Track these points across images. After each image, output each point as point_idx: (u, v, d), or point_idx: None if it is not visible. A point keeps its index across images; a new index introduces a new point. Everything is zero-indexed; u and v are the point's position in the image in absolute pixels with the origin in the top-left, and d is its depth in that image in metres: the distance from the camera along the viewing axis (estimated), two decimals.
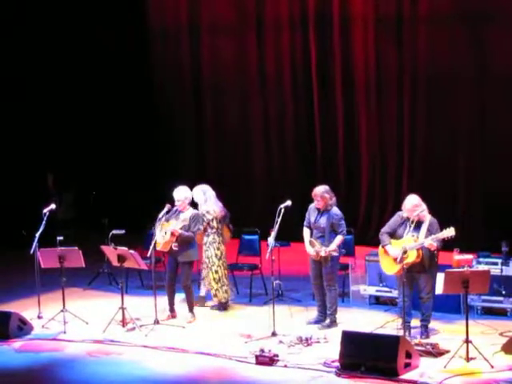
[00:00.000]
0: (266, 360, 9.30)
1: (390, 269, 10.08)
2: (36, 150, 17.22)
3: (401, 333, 9.59)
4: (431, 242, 9.73)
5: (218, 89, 16.93)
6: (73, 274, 11.65)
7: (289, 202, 10.42)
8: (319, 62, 15.78)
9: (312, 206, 10.73)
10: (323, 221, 10.54)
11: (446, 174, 14.83)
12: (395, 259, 9.87)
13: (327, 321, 10.65)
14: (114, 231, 12.35)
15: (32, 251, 11.22)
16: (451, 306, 10.68)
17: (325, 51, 15.72)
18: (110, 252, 10.94)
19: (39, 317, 11.21)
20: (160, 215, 10.95)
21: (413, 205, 9.98)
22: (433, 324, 10.23)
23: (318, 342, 9.93)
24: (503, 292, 10.72)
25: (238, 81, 16.75)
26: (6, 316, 10.64)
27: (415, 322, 10.10)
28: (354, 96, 15.58)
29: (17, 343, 10.46)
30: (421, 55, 14.86)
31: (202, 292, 11.73)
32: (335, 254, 10.48)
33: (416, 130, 15.05)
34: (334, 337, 9.76)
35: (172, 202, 11.12)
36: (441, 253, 10.19)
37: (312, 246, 10.57)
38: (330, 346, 9.67)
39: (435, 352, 9.28)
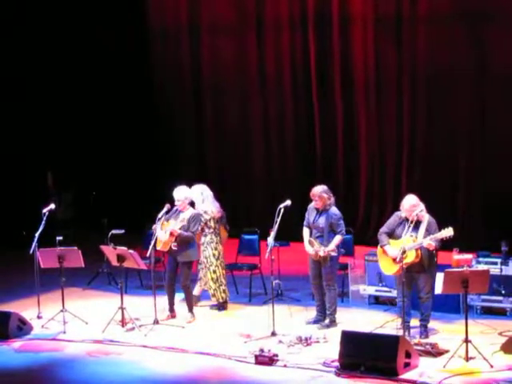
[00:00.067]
0: (265, 360, 9.30)
1: (388, 269, 10.08)
2: (36, 149, 17.23)
3: (400, 332, 9.60)
4: (430, 242, 9.73)
5: (218, 89, 16.94)
6: (72, 274, 11.67)
7: (288, 202, 10.42)
8: (319, 62, 15.78)
9: (311, 205, 10.72)
10: (322, 221, 10.54)
11: (446, 174, 14.83)
12: (394, 259, 9.87)
13: (326, 320, 10.64)
14: (114, 231, 12.39)
15: (31, 251, 11.22)
16: (451, 305, 10.68)
17: (324, 51, 15.73)
18: (110, 252, 10.94)
19: (39, 317, 11.21)
20: (159, 215, 10.95)
21: (411, 205, 9.98)
22: (432, 324, 10.23)
23: (318, 341, 9.93)
24: (503, 292, 10.71)
25: (238, 81, 16.76)
26: (5, 316, 10.64)
27: (414, 322, 10.09)
28: (354, 96, 15.59)
29: (16, 343, 10.46)
30: (420, 55, 14.87)
31: (196, 291, 11.73)
32: (334, 253, 10.48)
33: (415, 129, 15.06)
34: (334, 337, 9.76)
35: (172, 201, 11.12)
36: (440, 252, 10.20)
37: (311, 246, 10.57)
38: (330, 346, 9.67)
39: (435, 352, 9.28)
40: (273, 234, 10.36)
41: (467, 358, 9.03)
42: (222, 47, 16.80)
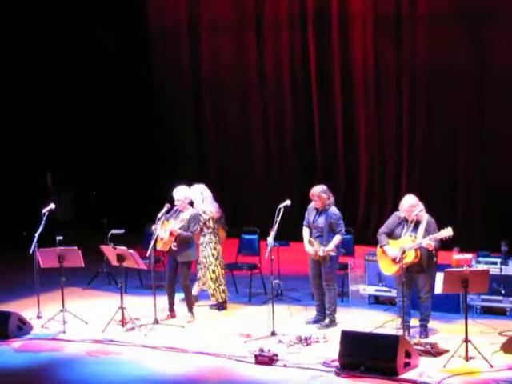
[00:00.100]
0: (265, 360, 9.29)
1: (388, 269, 10.07)
2: (35, 149, 17.23)
3: (400, 332, 9.60)
4: (429, 242, 9.72)
5: (218, 88, 16.95)
6: (72, 274, 11.67)
7: (288, 202, 10.41)
8: (318, 61, 15.79)
9: (311, 205, 10.72)
10: (321, 220, 10.54)
11: (446, 174, 14.83)
12: (393, 259, 9.87)
13: (326, 320, 10.64)
14: (114, 231, 12.38)
15: (31, 251, 11.22)
16: (450, 305, 10.68)
17: (324, 50, 15.73)
18: (110, 252, 10.94)
19: (39, 316, 11.21)
20: (159, 215, 10.95)
21: (410, 205, 9.96)
22: (432, 323, 10.22)
23: (318, 341, 9.93)
24: (502, 291, 10.71)
25: (238, 80, 16.77)
26: (5, 316, 10.64)
27: (414, 322, 10.09)
28: (353, 95, 15.59)
29: (16, 343, 10.46)
30: (420, 54, 14.87)
31: (194, 291, 11.72)
32: (333, 253, 10.47)
33: (415, 129, 15.06)
34: (334, 336, 9.75)
35: (172, 201, 11.12)
36: (440, 252, 10.20)
37: (311, 246, 10.57)
38: (330, 346, 9.66)
39: (434, 351, 9.28)
40: (273, 233, 10.36)
41: (467, 358, 9.03)
42: (221, 47, 16.81)
